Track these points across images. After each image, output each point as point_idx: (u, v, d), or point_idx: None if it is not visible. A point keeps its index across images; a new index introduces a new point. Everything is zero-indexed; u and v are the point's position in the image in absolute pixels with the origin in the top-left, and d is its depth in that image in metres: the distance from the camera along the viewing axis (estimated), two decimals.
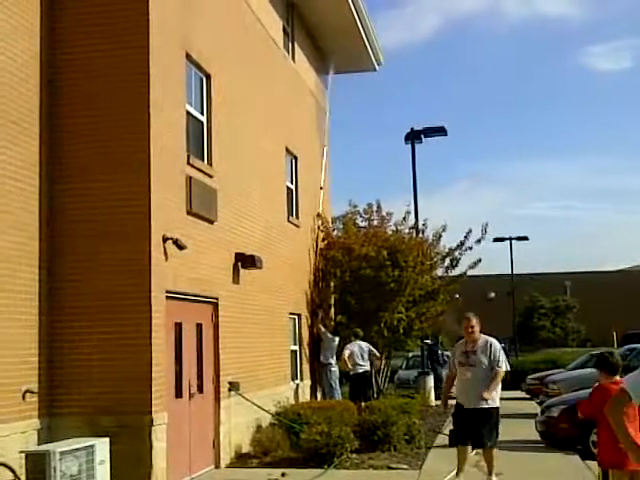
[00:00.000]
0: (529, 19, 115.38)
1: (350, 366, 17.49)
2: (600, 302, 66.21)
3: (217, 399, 12.04)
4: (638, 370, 5.35)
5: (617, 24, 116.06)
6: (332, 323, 18.97)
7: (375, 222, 20.60)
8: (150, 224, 9.85)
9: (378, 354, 18.32)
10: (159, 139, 10.15)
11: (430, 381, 23.24)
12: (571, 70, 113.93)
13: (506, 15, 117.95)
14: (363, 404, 16.14)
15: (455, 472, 10.41)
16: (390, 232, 20.38)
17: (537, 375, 24.72)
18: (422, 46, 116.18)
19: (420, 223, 22.09)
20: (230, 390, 12.35)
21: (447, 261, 21.59)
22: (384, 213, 20.70)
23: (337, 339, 18.10)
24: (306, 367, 17.52)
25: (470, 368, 10.12)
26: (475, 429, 10.16)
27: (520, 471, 11.38)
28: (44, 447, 8.63)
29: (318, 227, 19.01)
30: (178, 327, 10.89)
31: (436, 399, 22.08)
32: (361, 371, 17.53)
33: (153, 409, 9.63)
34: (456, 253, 21.55)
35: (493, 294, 69.44)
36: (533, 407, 20.08)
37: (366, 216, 20.70)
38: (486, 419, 10.16)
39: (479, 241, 21.54)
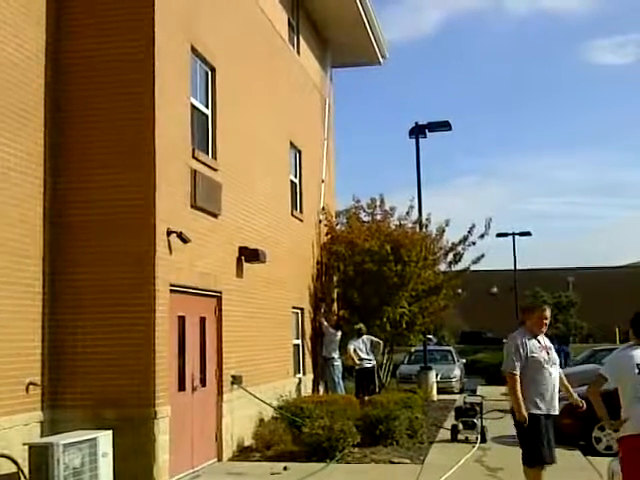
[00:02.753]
0: (533, 13, 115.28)
1: (357, 361, 17.56)
2: (603, 298, 66.22)
3: (220, 392, 12.04)
4: (610, 355, 6.95)
5: (622, 19, 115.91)
6: (335, 317, 18.97)
7: (378, 217, 20.58)
8: (154, 217, 9.84)
9: (380, 341, 18.36)
10: (164, 132, 10.13)
11: (432, 376, 23.19)
12: (575, 64, 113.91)
13: (510, 9, 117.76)
14: (366, 398, 16.15)
15: None
16: (393, 226, 20.37)
17: None
18: (426, 41, 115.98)
19: (423, 218, 22.07)
20: (233, 383, 12.36)
21: (450, 256, 21.59)
22: (387, 208, 20.70)
23: (339, 333, 18.11)
24: (309, 361, 17.53)
25: (554, 366, 8.57)
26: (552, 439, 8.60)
27: (522, 466, 11.37)
28: (47, 439, 8.64)
29: (321, 221, 19.00)
30: (181, 320, 10.89)
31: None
32: (367, 366, 17.63)
33: (156, 402, 9.64)
34: (459, 248, 21.55)
35: (496, 289, 69.48)
36: None
37: (369, 210, 20.68)
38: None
39: (482, 236, 21.57)
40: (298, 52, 17.94)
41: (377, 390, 18.34)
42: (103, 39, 10.21)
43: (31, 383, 9.35)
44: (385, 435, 13.32)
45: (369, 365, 17.70)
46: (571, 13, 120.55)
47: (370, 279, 18.79)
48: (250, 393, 12.80)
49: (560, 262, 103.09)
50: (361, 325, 18.00)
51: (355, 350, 17.59)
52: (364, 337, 17.87)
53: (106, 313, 9.82)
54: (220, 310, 12.15)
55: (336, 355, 17.91)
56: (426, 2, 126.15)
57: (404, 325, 19.73)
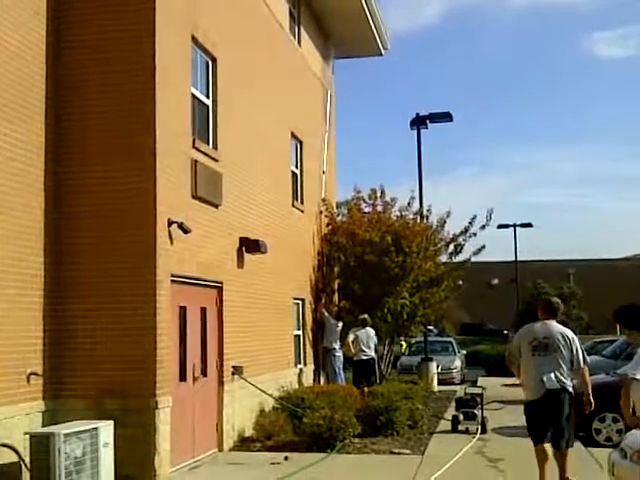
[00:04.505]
0: (534, 3, 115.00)
1: (354, 351, 17.49)
2: (603, 290, 66.23)
3: (221, 383, 12.06)
4: (637, 356, 6.70)
5: (623, 10, 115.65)
6: (335, 308, 18.97)
7: (379, 207, 20.56)
8: (155, 207, 9.83)
9: (376, 340, 18.24)
10: (164, 122, 10.12)
11: (433, 367, 23.20)
12: (576, 56, 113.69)
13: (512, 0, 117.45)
14: (366, 389, 16.17)
15: None
16: (394, 217, 20.35)
17: None
18: (428, 31, 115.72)
19: (424, 209, 22.05)
20: (234, 374, 12.37)
21: (451, 247, 21.55)
22: (388, 199, 20.66)
23: (340, 324, 18.10)
24: (310, 352, 17.54)
25: None
26: None
27: (523, 457, 11.41)
28: (48, 429, 8.65)
29: (322, 212, 18.98)
30: (183, 311, 10.90)
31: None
32: (365, 358, 17.51)
33: (157, 392, 9.65)
34: (460, 239, 21.51)
35: (496, 281, 69.52)
36: None
37: (370, 201, 20.65)
38: None
39: (483, 227, 21.51)
40: (299, 43, 17.89)
41: (377, 381, 18.35)
42: (103, 29, 10.17)
43: (32, 373, 9.35)
44: (386, 426, 13.35)
45: (365, 357, 17.56)
46: (572, 4, 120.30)
47: (371, 270, 18.78)
48: (251, 383, 12.82)
49: (561, 254, 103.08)
50: (366, 316, 17.93)
51: (355, 339, 17.50)
52: (368, 329, 17.78)
53: (107, 303, 9.83)
54: (221, 300, 12.16)
55: (337, 346, 17.90)
56: None
57: (405, 316, 19.72)
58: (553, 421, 8.90)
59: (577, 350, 9.00)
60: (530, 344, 9.01)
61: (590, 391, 9.02)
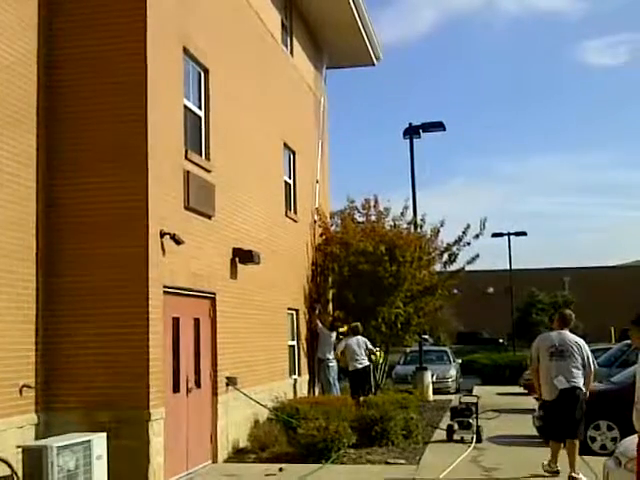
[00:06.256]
0: (525, 14, 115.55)
1: (348, 361, 17.41)
2: (598, 298, 66.34)
3: (215, 394, 12.02)
4: None
5: (613, 19, 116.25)
6: (330, 318, 18.94)
7: (373, 217, 20.57)
8: (147, 219, 9.82)
9: (374, 349, 18.18)
10: (157, 134, 10.11)
11: (428, 376, 23.16)
12: (567, 65, 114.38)
13: (502, 10, 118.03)
14: (361, 399, 16.11)
15: None
16: (388, 227, 20.37)
17: None
18: (419, 42, 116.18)
19: (418, 218, 22.06)
20: (228, 385, 12.34)
21: (445, 256, 21.58)
22: (381, 208, 20.67)
23: (334, 334, 18.06)
24: (304, 362, 17.51)
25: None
26: None
27: (518, 466, 11.40)
28: (41, 442, 8.61)
29: (316, 222, 18.99)
30: (176, 322, 10.87)
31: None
32: (360, 367, 17.38)
33: (150, 404, 9.62)
34: (454, 248, 21.54)
35: (491, 289, 69.58)
36: (531, 403, 20.10)
37: (364, 211, 20.67)
38: None
39: (477, 236, 21.58)
40: (291, 53, 17.93)
41: (372, 390, 18.30)
42: (95, 41, 10.17)
43: (25, 385, 9.32)
44: (381, 436, 13.32)
45: (360, 366, 17.45)
46: (563, 13, 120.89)
47: (365, 280, 18.78)
48: (245, 394, 12.79)
49: (556, 262, 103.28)
50: (357, 324, 17.85)
51: (347, 349, 17.37)
52: (359, 337, 17.68)
53: (99, 315, 9.80)
54: (214, 311, 12.13)
55: (331, 356, 17.84)
56: (419, 3, 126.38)
57: (399, 326, 19.70)
58: (566, 416, 10.38)
59: (587, 356, 10.61)
60: (547, 350, 10.57)
61: (589, 387, 10.68)
